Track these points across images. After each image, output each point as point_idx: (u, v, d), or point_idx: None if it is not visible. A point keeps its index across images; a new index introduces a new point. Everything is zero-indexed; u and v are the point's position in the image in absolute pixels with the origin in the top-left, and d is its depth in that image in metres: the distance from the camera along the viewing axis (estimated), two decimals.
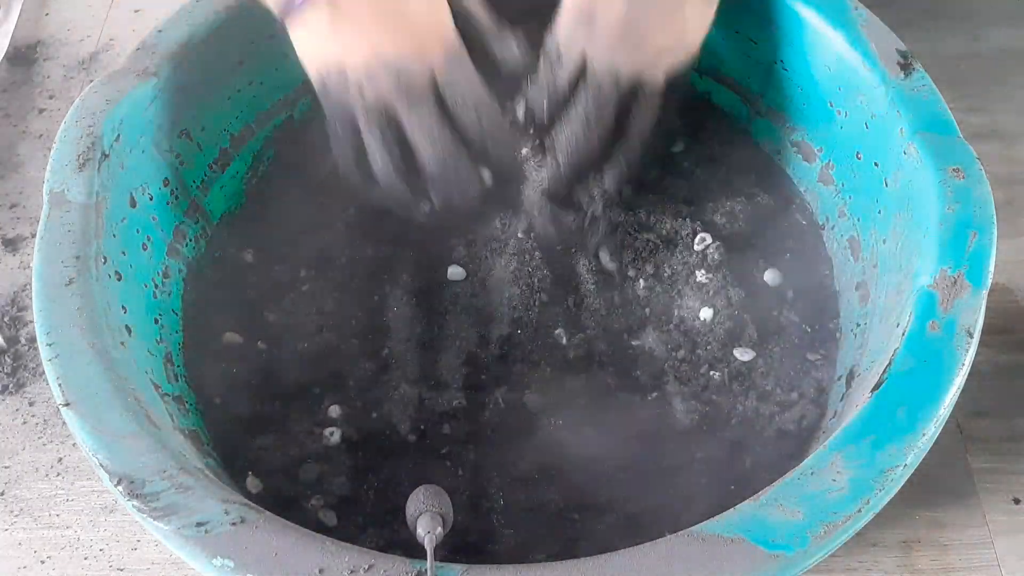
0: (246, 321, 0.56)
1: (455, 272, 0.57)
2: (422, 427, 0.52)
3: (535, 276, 0.56)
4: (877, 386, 0.41)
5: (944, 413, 0.39)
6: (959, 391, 0.40)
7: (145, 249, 0.51)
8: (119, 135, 0.50)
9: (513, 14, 0.53)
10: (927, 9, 0.85)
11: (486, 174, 0.51)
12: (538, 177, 0.54)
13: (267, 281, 0.59)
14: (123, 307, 0.47)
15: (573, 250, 0.57)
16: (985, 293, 0.42)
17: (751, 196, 0.60)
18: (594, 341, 0.55)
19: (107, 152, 0.49)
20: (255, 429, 0.52)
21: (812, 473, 0.38)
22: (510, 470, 0.50)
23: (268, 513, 0.37)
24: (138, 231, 0.51)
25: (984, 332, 0.42)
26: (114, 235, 0.48)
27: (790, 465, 0.39)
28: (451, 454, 0.51)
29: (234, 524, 0.36)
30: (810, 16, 0.54)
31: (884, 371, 0.41)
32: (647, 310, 0.56)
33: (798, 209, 0.60)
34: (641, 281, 0.57)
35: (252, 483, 0.50)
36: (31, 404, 0.63)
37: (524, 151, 0.54)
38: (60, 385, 0.41)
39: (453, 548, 0.48)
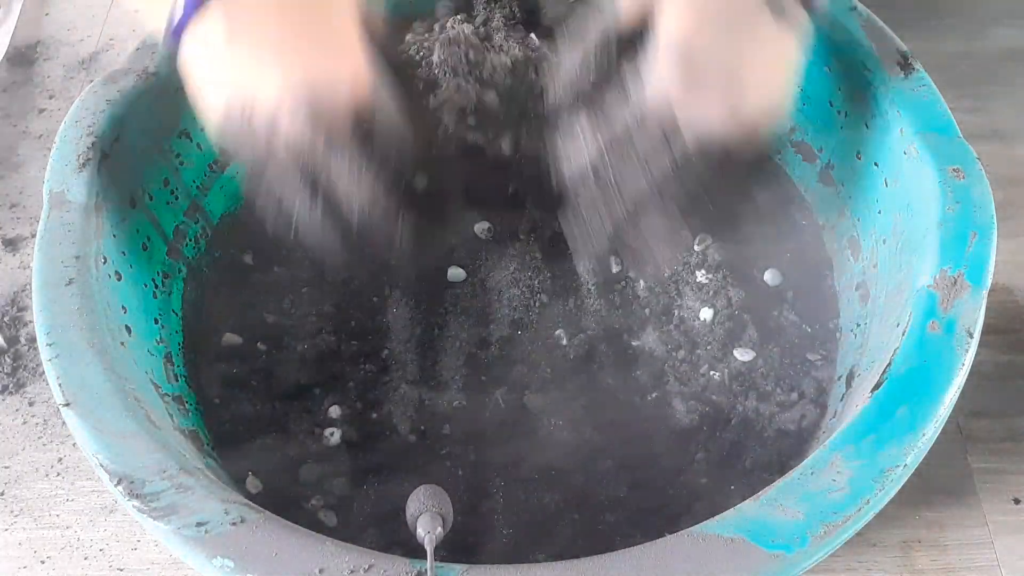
0: (246, 321, 0.56)
1: (455, 273, 0.57)
2: (422, 428, 0.52)
3: (535, 277, 0.56)
4: (877, 386, 0.41)
5: (944, 413, 0.39)
6: (959, 391, 0.40)
7: (145, 249, 0.51)
8: (119, 135, 0.50)
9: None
10: (927, 9, 0.85)
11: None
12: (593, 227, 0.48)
13: (267, 282, 0.59)
14: (123, 307, 0.47)
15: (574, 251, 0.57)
16: (985, 293, 0.42)
17: (751, 196, 0.60)
18: (594, 341, 0.55)
19: (107, 152, 0.49)
20: (255, 429, 0.52)
21: (812, 473, 0.38)
22: (510, 470, 0.50)
23: (268, 513, 0.37)
24: (138, 231, 0.51)
25: (984, 332, 0.42)
26: (114, 235, 0.48)
27: (790, 465, 0.40)
28: (451, 454, 0.51)
29: (234, 524, 0.36)
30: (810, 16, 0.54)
31: (884, 371, 0.41)
32: (647, 310, 0.56)
33: (798, 209, 0.60)
34: (641, 281, 0.57)
35: (252, 483, 0.50)
36: (31, 404, 0.63)
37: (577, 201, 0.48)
38: (60, 385, 0.41)
39: (453, 548, 0.48)
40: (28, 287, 0.67)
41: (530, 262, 0.56)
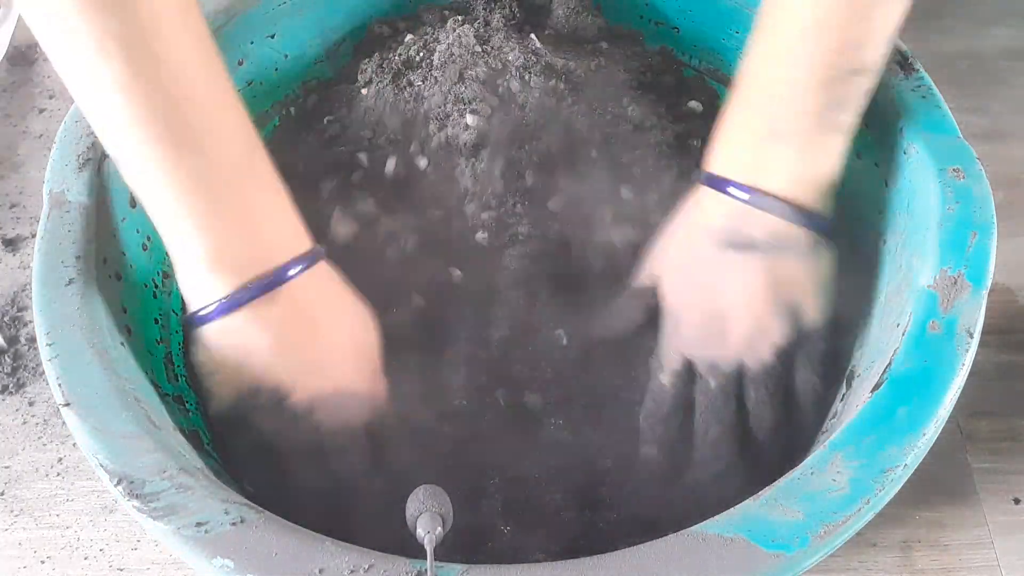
0: None
1: (455, 274, 0.57)
2: (419, 423, 0.52)
3: (537, 279, 0.56)
4: (877, 386, 0.40)
5: (944, 413, 0.39)
6: (959, 391, 0.40)
7: (145, 249, 0.51)
8: None
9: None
10: (927, 9, 0.85)
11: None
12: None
13: None
14: (123, 307, 0.47)
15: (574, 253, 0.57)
16: (985, 293, 0.42)
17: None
18: (595, 341, 0.55)
19: (107, 152, 0.49)
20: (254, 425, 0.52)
21: (812, 473, 0.38)
22: (510, 470, 0.50)
23: (268, 513, 0.37)
24: (138, 231, 0.51)
25: (984, 332, 0.42)
26: (114, 235, 0.48)
27: (790, 465, 0.39)
28: (450, 454, 0.51)
29: (234, 524, 0.36)
30: None
31: (884, 371, 0.41)
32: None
33: None
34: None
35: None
36: (31, 404, 0.63)
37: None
38: (60, 385, 0.41)
39: (453, 548, 0.48)
40: (28, 287, 0.67)
41: (531, 264, 0.56)
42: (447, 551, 0.39)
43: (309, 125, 0.61)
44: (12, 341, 0.66)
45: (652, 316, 0.52)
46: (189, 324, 0.46)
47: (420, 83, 0.57)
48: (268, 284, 0.44)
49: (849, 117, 0.47)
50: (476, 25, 0.59)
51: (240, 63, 0.58)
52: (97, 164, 0.48)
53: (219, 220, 0.43)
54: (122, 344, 0.44)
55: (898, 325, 0.44)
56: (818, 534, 0.36)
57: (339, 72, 0.64)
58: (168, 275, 0.53)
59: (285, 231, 0.46)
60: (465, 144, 0.56)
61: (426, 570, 0.35)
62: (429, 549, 0.36)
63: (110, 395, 0.40)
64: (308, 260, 0.46)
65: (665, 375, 0.51)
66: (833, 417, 0.49)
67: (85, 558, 0.56)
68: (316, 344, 0.46)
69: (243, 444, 0.47)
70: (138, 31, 0.38)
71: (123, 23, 0.38)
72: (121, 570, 0.56)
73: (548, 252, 0.56)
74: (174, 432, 0.43)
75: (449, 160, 0.56)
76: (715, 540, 0.36)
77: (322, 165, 0.58)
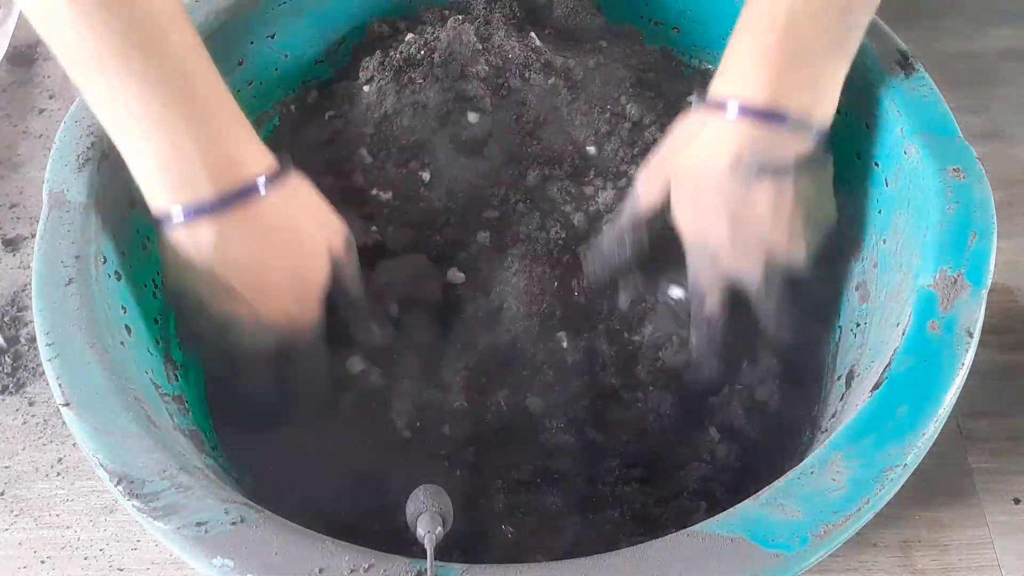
0: None
1: (456, 276, 0.57)
2: (418, 424, 0.52)
3: (538, 280, 0.55)
4: (877, 386, 0.40)
5: (944, 413, 0.39)
6: (959, 391, 0.40)
7: (145, 249, 0.51)
8: None
9: None
10: (927, 9, 0.85)
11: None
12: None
13: None
14: (123, 307, 0.47)
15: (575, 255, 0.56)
16: (985, 293, 0.42)
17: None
18: (597, 343, 0.54)
19: (107, 152, 0.49)
20: (258, 424, 0.52)
21: (812, 473, 0.38)
22: (511, 472, 0.50)
23: (268, 513, 0.37)
24: (138, 231, 0.51)
25: (984, 332, 0.42)
26: (114, 235, 0.48)
27: (790, 465, 0.39)
28: (450, 455, 0.51)
29: (234, 524, 0.36)
30: None
31: (884, 371, 0.41)
32: (652, 312, 0.56)
33: None
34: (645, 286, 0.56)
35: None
36: (31, 404, 0.63)
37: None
38: (60, 385, 0.41)
39: (453, 548, 0.48)
40: (28, 287, 0.68)
41: (533, 267, 0.56)
42: (447, 551, 0.39)
43: (311, 121, 0.61)
44: (12, 341, 0.66)
45: (642, 252, 0.54)
46: (158, 225, 0.46)
47: (421, 80, 0.57)
48: (238, 195, 0.44)
49: (857, 38, 0.48)
50: (476, 24, 0.60)
51: (240, 63, 0.58)
52: (97, 164, 0.48)
53: (192, 131, 0.43)
54: (122, 344, 0.44)
55: (898, 325, 0.44)
56: (818, 534, 0.36)
57: (340, 71, 0.64)
58: None
59: (254, 149, 0.46)
60: (467, 141, 0.56)
61: (426, 570, 0.35)
62: (429, 549, 0.36)
63: (110, 395, 0.40)
64: (278, 175, 0.46)
65: (710, 304, 0.52)
66: (833, 417, 0.49)
67: (85, 558, 0.56)
68: (264, 266, 0.47)
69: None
70: None
71: None
72: (121, 570, 0.56)
73: (550, 252, 0.56)
74: (174, 432, 0.43)
75: (452, 158, 0.57)
76: (715, 539, 0.36)
77: (324, 162, 0.58)
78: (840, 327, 0.55)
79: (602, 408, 0.53)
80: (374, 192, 0.57)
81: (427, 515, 0.38)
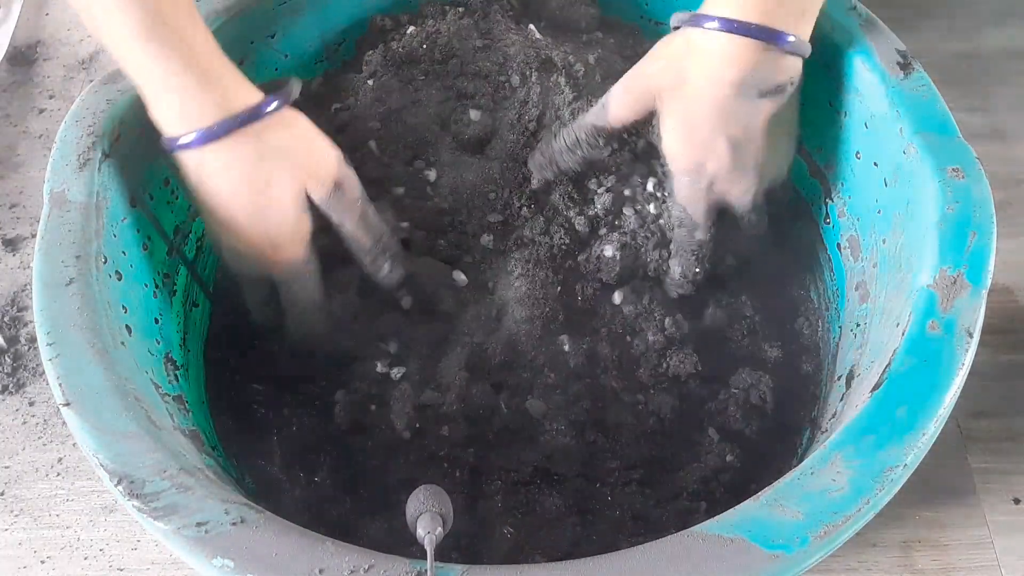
0: (247, 320, 0.56)
1: (459, 278, 0.56)
2: (418, 425, 0.52)
3: (541, 284, 0.55)
4: (877, 386, 0.40)
5: (944, 413, 0.39)
6: (959, 391, 0.40)
7: (145, 249, 0.51)
8: (119, 135, 0.50)
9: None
10: (927, 9, 0.85)
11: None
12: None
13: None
14: (123, 307, 0.47)
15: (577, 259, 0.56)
16: (985, 293, 0.42)
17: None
18: (599, 347, 0.54)
19: (107, 152, 0.49)
20: (257, 422, 0.52)
21: (812, 473, 0.38)
22: (511, 473, 0.50)
23: (268, 513, 0.37)
24: (138, 231, 0.51)
25: (984, 332, 0.42)
26: (114, 235, 0.48)
27: (790, 465, 0.39)
28: (450, 456, 0.51)
29: (234, 524, 0.36)
30: None
31: (884, 371, 0.41)
32: (654, 314, 0.56)
33: (796, 209, 0.60)
34: (647, 289, 0.56)
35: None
36: (31, 404, 0.63)
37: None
38: (60, 385, 0.41)
39: (453, 548, 0.48)
40: (28, 287, 0.68)
41: (535, 270, 0.55)
42: (447, 551, 0.39)
43: (319, 114, 0.61)
44: (12, 341, 0.66)
45: (590, 162, 0.54)
46: (169, 149, 0.48)
47: (423, 77, 0.57)
48: (247, 118, 0.47)
49: None
50: (475, 18, 0.59)
51: (240, 63, 0.58)
52: (97, 164, 0.48)
53: (191, 76, 0.46)
54: (122, 344, 0.44)
55: (898, 325, 0.43)
56: (818, 534, 0.36)
57: (344, 63, 0.64)
58: (168, 275, 0.53)
59: (237, 88, 0.48)
60: (469, 140, 0.56)
61: (426, 570, 0.35)
62: (429, 549, 0.36)
63: (110, 395, 0.40)
64: (282, 98, 0.49)
65: (703, 231, 0.53)
66: (833, 417, 0.49)
67: (85, 558, 0.56)
68: (233, 203, 0.49)
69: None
70: None
71: None
72: (121, 570, 0.56)
73: (553, 257, 0.55)
74: (174, 432, 0.43)
75: (455, 158, 0.56)
76: (715, 540, 0.36)
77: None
78: (840, 327, 0.55)
79: (603, 410, 0.53)
80: (387, 187, 0.57)
81: (427, 515, 0.38)
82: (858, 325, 0.52)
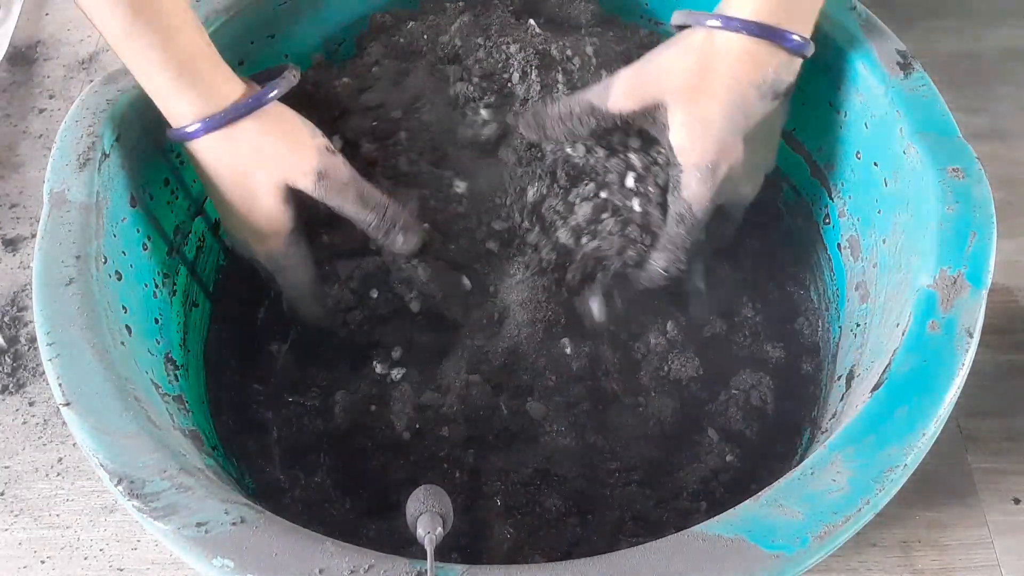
0: (247, 320, 0.56)
1: (464, 283, 0.56)
2: (417, 426, 0.52)
3: (543, 288, 0.55)
4: (877, 386, 0.40)
5: (944, 413, 0.39)
6: (959, 391, 0.40)
7: (145, 249, 0.51)
8: (119, 135, 0.50)
9: None
10: (927, 9, 0.85)
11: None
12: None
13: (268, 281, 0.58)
14: (123, 307, 0.47)
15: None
16: (985, 293, 0.42)
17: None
18: (600, 350, 0.54)
19: (107, 152, 0.49)
20: (257, 424, 0.52)
21: (812, 473, 0.38)
22: (511, 474, 0.50)
23: (268, 513, 0.37)
24: (138, 231, 0.51)
25: (984, 332, 0.42)
26: (114, 235, 0.48)
27: (790, 466, 0.39)
28: (450, 457, 0.51)
29: (234, 524, 0.36)
30: None
31: (884, 371, 0.41)
32: (656, 317, 0.56)
33: (797, 209, 0.60)
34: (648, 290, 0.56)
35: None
36: (31, 404, 0.63)
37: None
38: (60, 385, 0.41)
39: (453, 548, 0.48)
40: (28, 287, 0.68)
41: (538, 275, 0.55)
42: (447, 551, 0.39)
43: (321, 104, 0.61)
44: (12, 341, 0.66)
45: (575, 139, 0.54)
46: (177, 139, 0.50)
47: (424, 76, 0.57)
48: (224, 118, 0.49)
49: None
50: (476, 12, 0.59)
51: (240, 63, 0.58)
52: (97, 164, 0.48)
53: (184, 77, 0.48)
54: (122, 344, 0.44)
55: (898, 325, 0.43)
56: (818, 534, 0.36)
57: (345, 62, 0.64)
58: (168, 275, 0.53)
59: (228, 87, 0.50)
60: (475, 144, 0.55)
61: (426, 570, 0.35)
62: (429, 549, 0.36)
63: (110, 395, 0.40)
64: (266, 92, 0.50)
65: (700, 228, 0.53)
66: (833, 418, 0.49)
67: (85, 558, 0.56)
68: (220, 192, 0.51)
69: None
70: None
71: None
72: (121, 570, 0.56)
73: (557, 263, 0.55)
74: (174, 432, 0.43)
75: (467, 162, 0.56)
76: (715, 540, 0.36)
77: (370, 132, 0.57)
78: (840, 327, 0.55)
79: (603, 413, 0.53)
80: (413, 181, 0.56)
81: (427, 515, 0.38)
82: (858, 325, 0.52)
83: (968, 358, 0.40)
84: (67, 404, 0.40)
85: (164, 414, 0.44)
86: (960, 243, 0.43)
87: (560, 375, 0.53)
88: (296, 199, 0.51)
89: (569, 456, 0.51)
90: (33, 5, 0.89)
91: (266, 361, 0.57)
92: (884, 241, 0.51)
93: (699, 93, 0.50)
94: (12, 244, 0.71)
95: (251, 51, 0.59)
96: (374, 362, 0.55)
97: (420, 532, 0.38)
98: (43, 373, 0.63)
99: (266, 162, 0.50)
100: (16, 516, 0.58)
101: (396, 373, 0.54)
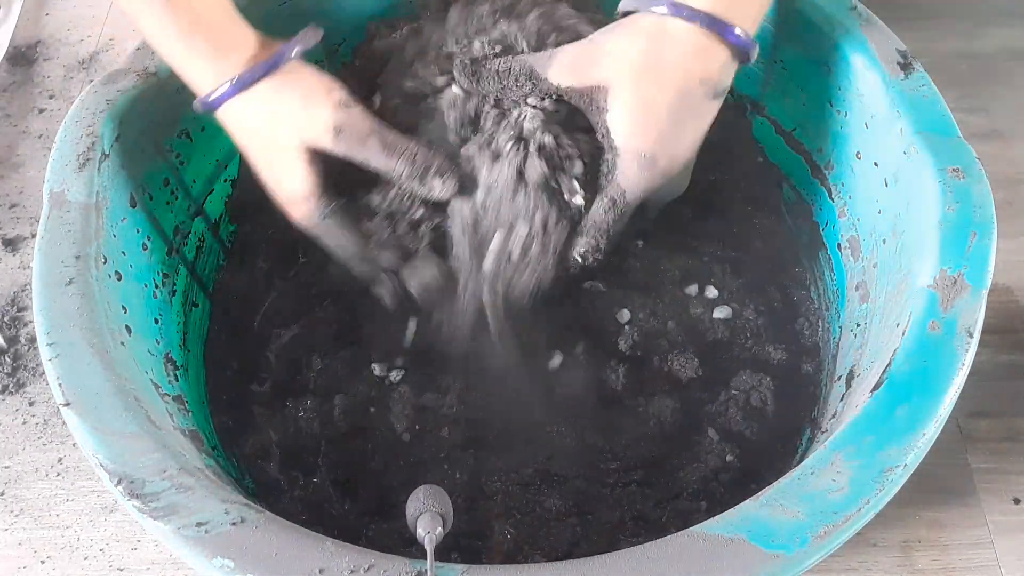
0: (247, 320, 0.56)
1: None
2: (417, 427, 0.52)
3: (543, 289, 0.55)
4: (877, 386, 0.40)
5: (944, 413, 0.39)
6: (959, 391, 0.40)
7: (145, 249, 0.51)
8: (119, 135, 0.50)
9: None
10: (927, 9, 0.85)
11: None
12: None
13: (267, 279, 0.58)
14: (123, 307, 0.47)
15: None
16: (985, 293, 0.42)
17: (750, 197, 0.60)
18: (601, 351, 0.54)
19: (107, 152, 0.49)
20: (257, 422, 0.52)
21: (812, 473, 0.38)
22: (511, 474, 0.50)
23: (268, 513, 0.37)
24: (138, 231, 0.51)
25: (984, 332, 0.42)
26: (114, 235, 0.48)
27: (790, 466, 0.39)
28: (450, 457, 0.51)
29: (234, 524, 0.36)
30: (810, 16, 0.54)
31: (884, 371, 0.41)
32: (656, 317, 0.56)
33: (797, 210, 0.60)
34: (649, 290, 0.56)
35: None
36: (31, 404, 0.63)
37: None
38: (60, 385, 0.41)
39: (453, 548, 0.48)
40: (28, 287, 0.68)
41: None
42: (447, 551, 0.39)
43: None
44: (12, 341, 0.66)
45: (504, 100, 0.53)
46: (203, 110, 0.50)
47: (426, 74, 0.57)
48: (265, 68, 0.48)
49: None
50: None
51: None
52: (97, 164, 0.48)
53: (208, 50, 0.48)
54: (122, 344, 0.44)
55: (898, 325, 0.43)
56: (818, 534, 0.36)
57: (344, 65, 0.64)
58: (168, 275, 0.53)
59: (247, 50, 0.49)
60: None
61: (426, 570, 0.35)
62: (429, 549, 0.36)
63: (110, 395, 0.40)
64: (280, 54, 0.49)
65: (629, 213, 0.51)
66: (833, 417, 0.49)
67: (85, 558, 0.56)
68: (249, 154, 0.51)
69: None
70: None
71: None
72: (121, 570, 0.56)
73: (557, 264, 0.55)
74: (174, 432, 0.43)
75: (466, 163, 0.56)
76: (715, 540, 0.36)
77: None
78: (840, 327, 0.55)
79: (604, 413, 0.53)
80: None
81: (427, 515, 0.38)
82: (858, 325, 0.52)
83: (968, 358, 0.40)
84: (67, 404, 0.40)
85: (164, 414, 0.44)
86: (960, 243, 0.43)
87: (560, 376, 0.53)
88: (323, 161, 0.50)
89: (569, 456, 0.51)
90: (33, 5, 0.89)
91: (266, 361, 0.57)
92: (884, 241, 0.51)
93: (647, 79, 0.48)
94: (12, 244, 0.71)
95: None
96: (373, 364, 0.55)
97: (420, 532, 0.38)
98: (43, 373, 0.63)
99: (283, 124, 0.49)
100: (16, 516, 0.58)
101: (395, 375, 0.54)
